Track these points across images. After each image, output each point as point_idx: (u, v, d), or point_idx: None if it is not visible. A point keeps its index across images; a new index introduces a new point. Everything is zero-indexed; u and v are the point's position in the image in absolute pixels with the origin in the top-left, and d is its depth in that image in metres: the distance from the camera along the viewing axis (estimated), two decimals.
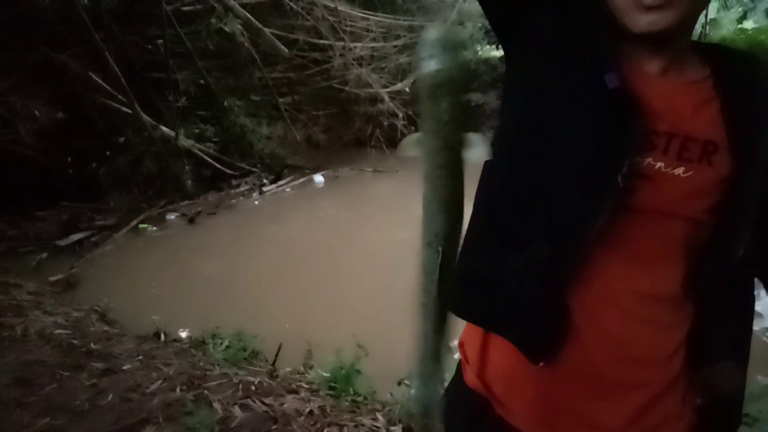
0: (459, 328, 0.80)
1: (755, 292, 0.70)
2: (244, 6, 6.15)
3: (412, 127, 8.16)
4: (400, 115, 7.92)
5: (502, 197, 0.69)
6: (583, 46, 0.62)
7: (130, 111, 6.02)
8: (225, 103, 7.35)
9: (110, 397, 2.23)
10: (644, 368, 0.65)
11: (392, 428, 2.04)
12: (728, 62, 0.66)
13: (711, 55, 0.66)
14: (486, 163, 0.64)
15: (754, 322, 0.72)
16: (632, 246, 0.63)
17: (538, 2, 0.64)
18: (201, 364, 2.61)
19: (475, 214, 0.73)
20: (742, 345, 0.69)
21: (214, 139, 7.41)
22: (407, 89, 8.20)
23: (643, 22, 0.58)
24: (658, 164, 0.60)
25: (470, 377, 0.76)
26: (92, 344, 2.81)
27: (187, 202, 6.57)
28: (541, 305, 0.64)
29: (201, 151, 7.00)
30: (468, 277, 0.69)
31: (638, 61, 0.64)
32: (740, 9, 9.57)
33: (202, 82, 6.99)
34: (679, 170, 0.60)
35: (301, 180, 7.76)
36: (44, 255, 4.96)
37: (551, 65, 0.63)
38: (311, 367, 2.66)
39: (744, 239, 0.62)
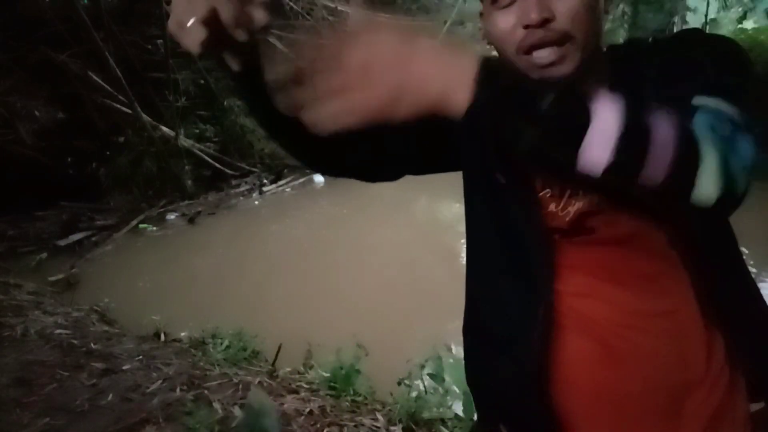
0: None
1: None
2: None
3: None
4: None
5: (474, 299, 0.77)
6: (479, 157, 0.70)
7: (130, 111, 6.03)
8: (225, 103, 7.35)
9: (110, 397, 2.23)
10: (687, 382, 0.65)
11: (392, 428, 2.04)
12: (621, 59, 0.65)
13: (611, 54, 0.66)
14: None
15: None
16: (624, 271, 0.64)
17: (448, 146, 0.72)
18: (201, 364, 2.61)
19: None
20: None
21: (214, 139, 7.41)
22: None
23: (538, 76, 0.60)
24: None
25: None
26: (92, 344, 2.81)
27: (187, 202, 6.57)
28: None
29: (201, 151, 7.00)
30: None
31: None
32: (740, 9, 9.57)
33: (202, 82, 6.99)
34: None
35: (301, 180, 7.76)
36: (44, 255, 4.97)
37: (469, 173, 0.73)
38: (311, 367, 2.66)
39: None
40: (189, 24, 0.51)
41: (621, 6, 9.29)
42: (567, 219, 0.64)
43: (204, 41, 0.52)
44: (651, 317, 0.64)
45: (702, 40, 0.62)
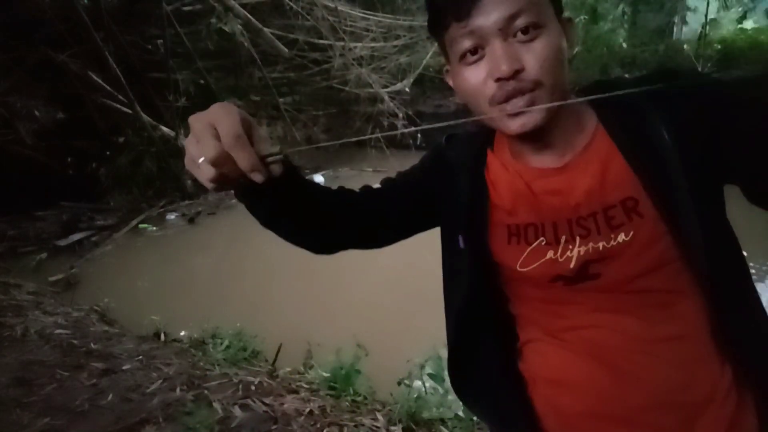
0: None
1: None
2: (244, 6, 6.15)
3: (412, 127, 8.16)
4: (400, 115, 7.92)
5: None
6: (450, 215, 0.74)
7: (130, 111, 6.03)
8: None
9: (110, 397, 2.23)
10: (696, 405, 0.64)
11: (392, 428, 2.03)
12: (607, 101, 0.63)
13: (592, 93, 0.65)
14: None
15: None
16: (631, 304, 0.64)
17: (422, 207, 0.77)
18: (201, 364, 2.61)
19: None
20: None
21: None
22: (407, 89, 8.20)
23: (514, 126, 0.61)
24: (600, 244, 0.62)
25: None
26: (92, 344, 2.81)
27: (187, 202, 6.57)
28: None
29: None
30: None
31: (537, 158, 0.67)
32: (740, 9, 9.56)
33: (202, 82, 6.99)
34: (621, 237, 0.61)
35: None
36: (44, 255, 4.97)
37: (444, 227, 0.77)
38: (311, 367, 2.66)
39: (699, 238, 0.61)
40: (200, 162, 0.53)
41: (621, 6, 9.28)
42: (571, 266, 0.63)
43: (215, 178, 0.53)
44: (659, 342, 0.63)
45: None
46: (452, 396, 2.24)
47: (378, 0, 7.75)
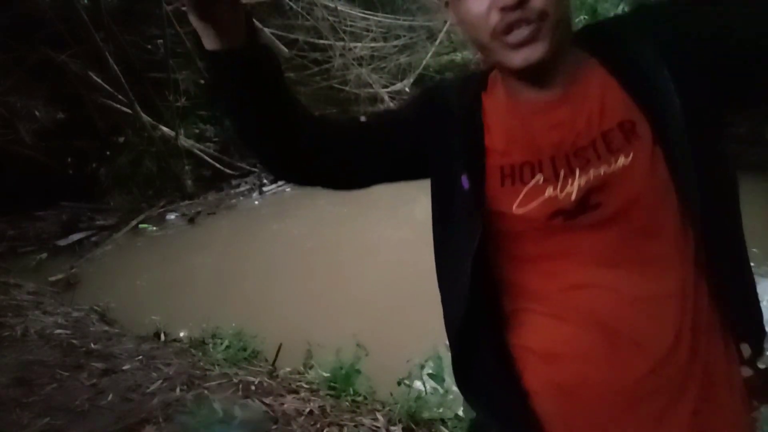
0: None
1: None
2: (243, 6, 6.14)
3: None
4: None
5: None
6: (446, 159, 0.71)
7: (130, 111, 6.03)
8: None
9: (110, 397, 2.23)
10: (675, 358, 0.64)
11: (392, 428, 2.04)
12: (598, 36, 0.67)
13: (583, 38, 0.68)
14: None
15: None
16: (623, 255, 0.64)
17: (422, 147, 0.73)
18: (201, 364, 2.61)
19: None
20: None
21: (214, 139, 7.40)
22: (407, 89, 8.19)
23: (517, 60, 0.60)
24: (602, 169, 0.62)
25: None
26: (92, 344, 2.81)
27: (187, 202, 6.57)
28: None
29: (201, 151, 6.99)
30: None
31: (536, 94, 0.66)
32: None
33: (202, 82, 6.98)
34: (621, 161, 0.61)
35: None
36: (44, 255, 4.97)
37: (437, 176, 0.74)
38: (311, 367, 2.66)
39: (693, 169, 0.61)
40: None
41: (621, 6, 9.27)
42: (572, 198, 0.63)
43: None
44: (653, 301, 0.63)
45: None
46: (452, 396, 2.24)
47: (378, 0, 7.75)
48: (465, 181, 0.67)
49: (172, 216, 6.21)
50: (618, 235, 0.63)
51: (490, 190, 0.67)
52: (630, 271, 0.64)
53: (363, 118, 0.79)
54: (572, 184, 0.63)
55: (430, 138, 0.73)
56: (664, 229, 0.64)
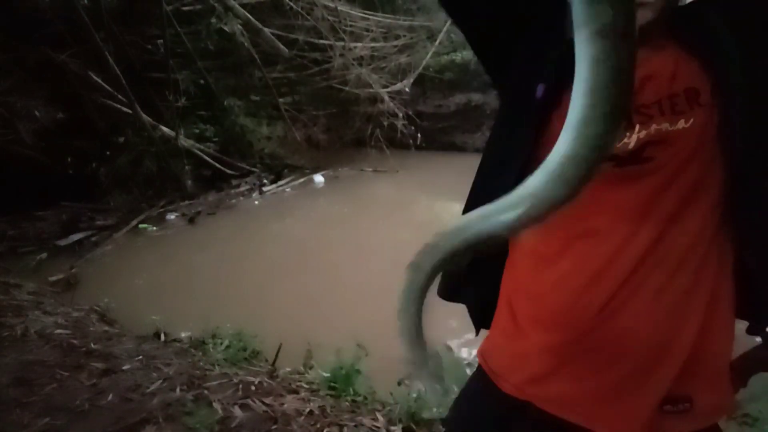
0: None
1: None
2: (244, 6, 6.15)
3: (412, 127, 8.16)
4: (400, 115, 7.92)
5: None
6: (532, 64, 0.74)
7: (130, 111, 6.02)
8: (225, 103, 7.35)
9: (110, 397, 2.23)
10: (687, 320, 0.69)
11: (392, 428, 2.03)
12: (678, 12, 0.70)
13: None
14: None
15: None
16: (650, 211, 0.68)
17: (515, 38, 0.76)
18: (201, 364, 2.61)
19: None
20: None
21: (214, 139, 7.41)
22: (407, 89, 8.19)
23: None
24: (664, 126, 0.66)
25: (504, 385, 0.82)
26: (92, 344, 2.81)
27: (187, 202, 6.57)
28: None
29: (201, 151, 7.00)
30: None
31: None
32: None
33: (202, 82, 6.99)
34: (681, 123, 0.66)
35: (301, 180, 7.76)
36: (44, 255, 4.96)
37: (513, 80, 0.78)
38: (311, 367, 2.66)
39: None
40: None
41: None
42: (629, 147, 0.67)
43: None
44: (667, 256, 0.67)
45: None
46: (452, 396, 2.23)
47: (378, 0, 7.75)
48: (540, 90, 0.71)
49: (172, 216, 6.21)
50: (653, 191, 0.67)
51: (559, 109, 0.70)
52: (652, 228, 0.68)
53: None
54: (630, 136, 0.67)
55: (536, 33, 0.75)
56: (701, 197, 0.68)
